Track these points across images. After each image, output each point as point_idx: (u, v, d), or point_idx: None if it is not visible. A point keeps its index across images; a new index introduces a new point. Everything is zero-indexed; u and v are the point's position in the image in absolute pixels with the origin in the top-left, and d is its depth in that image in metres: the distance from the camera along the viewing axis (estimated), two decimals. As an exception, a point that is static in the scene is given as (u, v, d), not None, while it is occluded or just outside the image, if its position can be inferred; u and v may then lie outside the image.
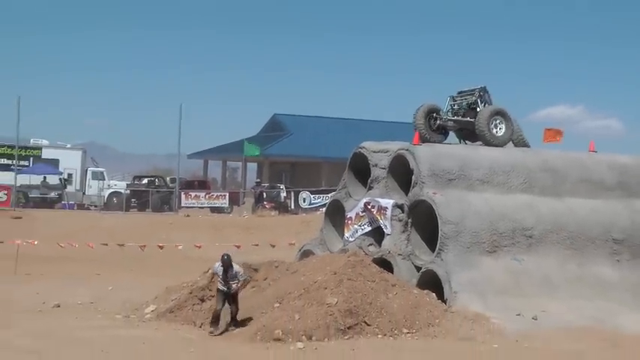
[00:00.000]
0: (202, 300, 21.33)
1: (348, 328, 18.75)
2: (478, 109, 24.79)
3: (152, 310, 21.85)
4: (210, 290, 21.40)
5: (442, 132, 25.35)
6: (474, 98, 25.08)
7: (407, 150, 23.29)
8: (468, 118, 24.87)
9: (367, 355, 17.28)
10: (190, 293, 21.75)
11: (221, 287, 19.55)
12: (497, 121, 24.33)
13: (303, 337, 18.34)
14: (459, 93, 25.68)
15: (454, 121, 25.23)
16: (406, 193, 23.07)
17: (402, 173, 23.42)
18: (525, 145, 25.99)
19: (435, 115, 24.89)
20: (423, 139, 24.60)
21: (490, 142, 24.31)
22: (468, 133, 25.47)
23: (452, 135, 25.72)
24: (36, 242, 33.84)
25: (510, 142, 25.24)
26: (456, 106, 25.40)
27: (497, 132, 24.31)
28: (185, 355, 17.50)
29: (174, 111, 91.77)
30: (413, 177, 22.74)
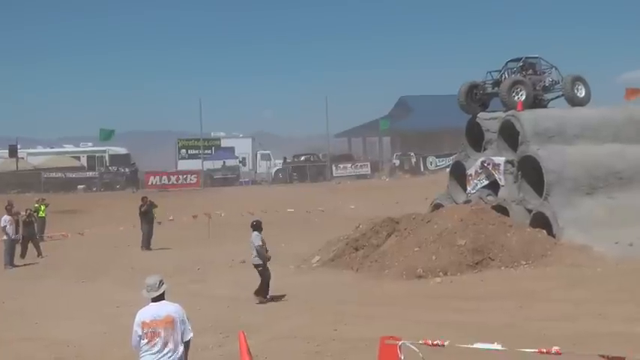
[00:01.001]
0: (356, 249, 21.53)
1: (476, 263, 18.74)
2: (503, 78, 24.48)
3: (317, 260, 22.18)
4: (362, 241, 21.62)
5: (482, 104, 25.27)
6: (502, 71, 24.89)
7: (513, 116, 23.02)
8: (496, 89, 24.57)
9: (494, 283, 17.23)
10: (347, 244, 22.00)
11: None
12: (519, 89, 23.68)
13: (440, 273, 18.43)
14: (508, 62, 25.25)
15: (489, 93, 25.04)
16: (514, 151, 22.81)
17: (509, 135, 23.15)
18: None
19: (474, 90, 24.92)
20: (463, 109, 25.12)
21: (511, 106, 23.60)
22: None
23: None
24: (223, 214, 34.73)
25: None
26: (490, 80, 25.14)
27: (517, 98, 23.63)
28: (346, 291, 17.80)
29: (321, 100, 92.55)
30: (519, 137, 22.48)
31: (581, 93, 24.45)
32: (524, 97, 23.46)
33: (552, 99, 25.33)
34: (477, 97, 25.06)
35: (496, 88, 24.48)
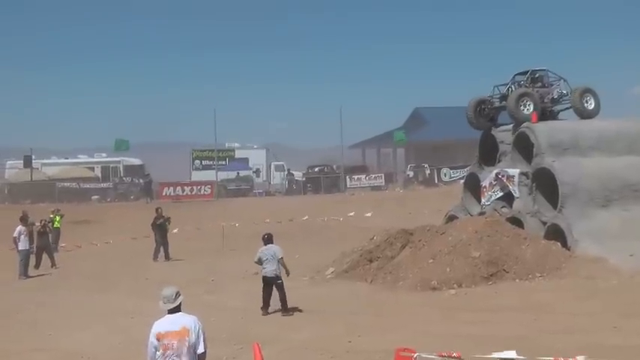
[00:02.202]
0: (370, 261, 21.56)
1: (491, 275, 18.76)
2: (510, 91, 24.43)
3: (331, 272, 22.18)
4: (376, 253, 21.65)
5: (490, 119, 25.31)
6: (510, 84, 24.84)
7: (527, 128, 23.04)
8: (504, 103, 24.54)
9: (508, 295, 17.22)
10: (361, 256, 22.02)
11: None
12: (526, 101, 23.60)
13: (455, 285, 18.44)
14: (515, 75, 25.21)
15: (496, 107, 25.04)
16: (529, 163, 22.82)
17: (523, 147, 23.17)
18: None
19: (482, 106, 24.97)
20: (472, 125, 25.21)
21: (518, 118, 23.60)
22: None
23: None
24: (237, 224, 34.84)
25: None
26: (498, 95, 25.18)
27: (525, 110, 23.52)
28: (360, 302, 17.82)
29: (335, 111, 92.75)
30: (534, 149, 22.50)
31: (591, 105, 24.33)
32: (531, 109, 23.41)
33: (561, 110, 25.29)
34: (485, 113, 25.07)
35: (503, 102, 24.47)
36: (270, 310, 17.11)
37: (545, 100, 24.51)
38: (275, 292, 17.18)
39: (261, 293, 17.21)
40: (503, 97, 24.61)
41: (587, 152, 22.55)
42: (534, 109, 23.46)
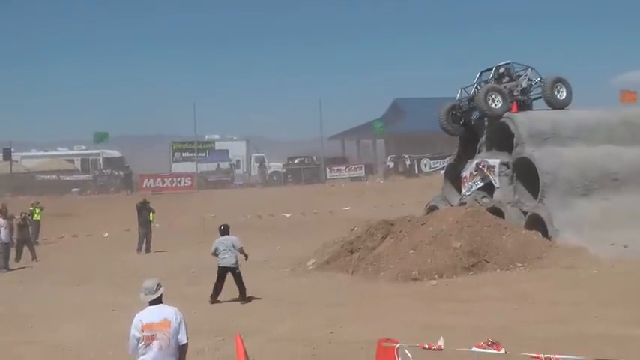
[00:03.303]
0: (351, 251, 21.51)
1: (472, 265, 18.78)
2: (477, 91, 24.19)
3: (312, 263, 22.14)
4: (357, 244, 21.62)
5: (464, 123, 25.13)
6: (476, 83, 24.68)
7: (507, 118, 23.08)
8: (472, 104, 24.37)
9: (489, 285, 17.25)
10: (342, 247, 21.98)
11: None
12: (494, 96, 23.32)
13: (436, 275, 18.45)
14: (481, 72, 25.07)
15: (467, 110, 24.79)
16: (509, 153, 22.87)
17: (504, 137, 23.19)
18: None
19: (453, 111, 24.76)
20: (447, 132, 25.19)
21: (487, 113, 23.53)
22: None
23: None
24: (216, 216, 34.66)
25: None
26: (466, 97, 24.94)
27: (495, 105, 23.26)
28: (341, 293, 17.81)
29: (315, 103, 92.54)
30: (514, 139, 22.54)
31: (562, 95, 24.23)
32: (501, 103, 23.22)
33: (535, 99, 25.10)
34: (457, 117, 24.92)
35: (472, 103, 24.33)
36: (221, 298, 17.35)
37: (515, 93, 24.32)
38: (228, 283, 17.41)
39: (216, 283, 17.41)
40: (471, 99, 24.36)
41: (567, 142, 22.61)
42: (504, 101, 23.32)
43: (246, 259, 17.87)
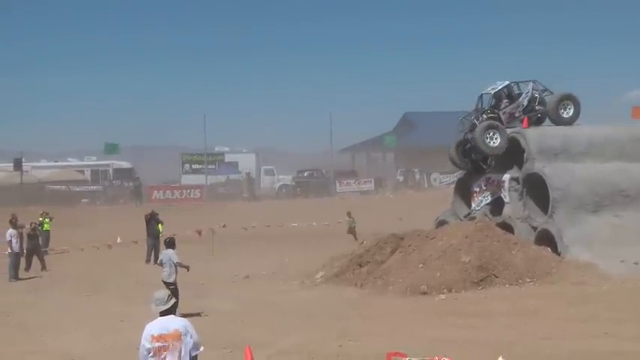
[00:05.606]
0: (360, 265, 21.49)
1: (481, 280, 18.77)
2: (477, 123, 23.74)
3: (321, 276, 22.13)
4: (366, 257, 21.61)
5: (472, 160, 24.74)
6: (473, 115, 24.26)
7: (518, 133, 23.10)
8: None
9: (498, 301, 17.23)
10: (350, 260, 21.97)
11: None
12: (491, 134, 23.13)
13: (445, 289, 18.45)
14: (482, 95, 24.57)
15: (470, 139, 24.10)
16: (519, 168, 22.86)
17: (514, 152, 23.18)
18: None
19: (463, 146, 24.47)
20: (458, 167, 25.39)
21: (485, 151, 23.49)
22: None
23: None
24: (226, 227, 34.63)
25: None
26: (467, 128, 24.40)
27: (492, 143, 23.15)
28: (350, 307, 17.80)
29: (325, 116, 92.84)
30: (525, 154, 22.54)
31: (569, 113, 24.04)
32: (499, 140, 23.02)
33: (539, 114, 24.69)
34: (467, 152, 24.63)
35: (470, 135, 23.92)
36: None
37: (517, 114, 24.13)
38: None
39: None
40: (474, 127, 23.89)
41: (577, 158, 22.61)
42: (502, 137, 23.05)
43: (187, 270, 17.67)
